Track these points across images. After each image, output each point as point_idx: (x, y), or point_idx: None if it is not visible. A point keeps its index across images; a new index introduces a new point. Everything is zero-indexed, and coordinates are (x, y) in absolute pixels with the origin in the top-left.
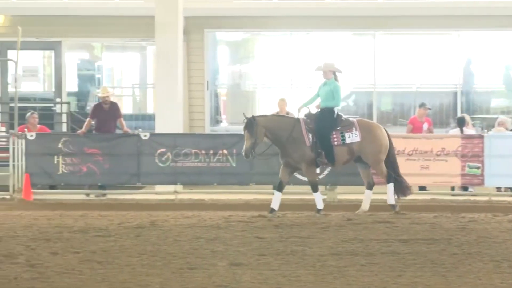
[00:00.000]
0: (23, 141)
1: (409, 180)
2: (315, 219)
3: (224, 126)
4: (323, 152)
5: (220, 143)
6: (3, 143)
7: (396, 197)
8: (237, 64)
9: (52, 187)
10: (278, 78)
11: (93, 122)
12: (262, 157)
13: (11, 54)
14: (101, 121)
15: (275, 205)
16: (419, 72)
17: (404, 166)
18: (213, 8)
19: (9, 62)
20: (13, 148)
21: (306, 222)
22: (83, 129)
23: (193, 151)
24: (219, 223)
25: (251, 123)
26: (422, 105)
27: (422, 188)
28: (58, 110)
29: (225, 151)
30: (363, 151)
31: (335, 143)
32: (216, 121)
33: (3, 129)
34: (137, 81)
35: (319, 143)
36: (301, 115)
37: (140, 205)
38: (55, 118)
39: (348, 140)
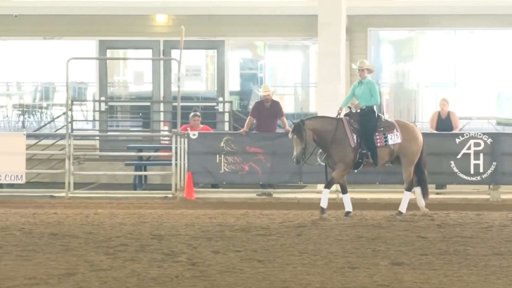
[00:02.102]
0: (186, 140)
1: None
2: (478, 218)
3: None
4: (369, 153)
5: None
6: (166, 142)
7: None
8: (400, 63)
9: (214, 185)
10: (442, 77)
11: (254, 121)
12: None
13: (174, 53)
14: (262, 119)
15: (324, 203)
16: None
17: None
18: (377, 7)
19: (172, 61)
20: (176, 147)
21: (469, 221)
22: (245, 128)
23: None
24: (381, 222)
25: (299, 128)
26: None
27: None
28: (220, 109)
29: None
30: (402, 152)
31: (378, 144)
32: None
33: (166, 128)
34: (299, 80)
35: (364, 144)
36: (341, 115)
37: (301, 204)
38: (218, 117)
39: (390, 142)
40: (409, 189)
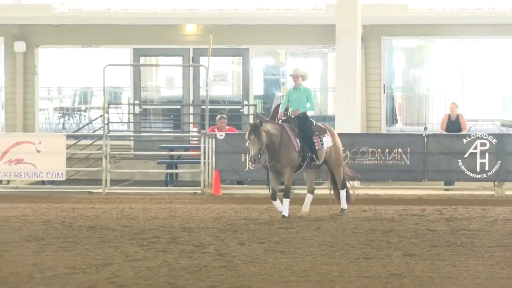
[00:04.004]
0: (213, 140)
1: None
2: (484, 213)
3: (399, 127)
4: (314, 155)
5: (395, 142)
6: (195, 142)
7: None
8: (412, 69)
9: (239, 182)
10: (450, 82)
11: None
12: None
13: (202, 60)
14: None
15: (280, 208)
16: None
17: None
18: (390, 17)
19: (201, 67)
20: (204, 147)
21: (475, 216)
22: None
23: (370, 149)
24: (394, 216)
25: (258, 129)
26: None
27: None
28: (245, 112)
29: (399, 150)
30: (332, 155)
31: (317, 147)
32: (393, 121)
33: (195, 129)
34: (318, 85)
35: (307, 147)
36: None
37: (320, 200)
38: (243, 119)
39: (325, 145)
40: (343, 187)
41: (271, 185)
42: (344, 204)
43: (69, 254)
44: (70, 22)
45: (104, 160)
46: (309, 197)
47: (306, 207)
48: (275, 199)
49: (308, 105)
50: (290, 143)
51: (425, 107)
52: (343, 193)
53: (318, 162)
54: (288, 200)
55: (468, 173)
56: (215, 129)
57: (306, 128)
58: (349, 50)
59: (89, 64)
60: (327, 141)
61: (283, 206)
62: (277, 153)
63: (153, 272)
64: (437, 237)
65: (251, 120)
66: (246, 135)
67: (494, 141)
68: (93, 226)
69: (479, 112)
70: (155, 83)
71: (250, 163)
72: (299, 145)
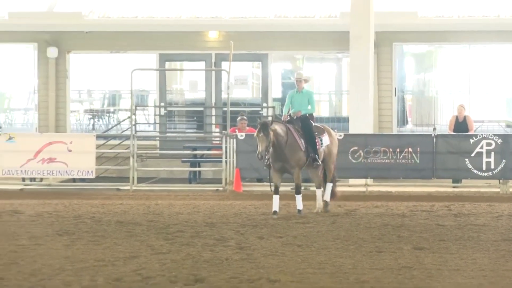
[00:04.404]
0: (234, 140)
1: None
2: (489, 209)
3: (410, 127)
4: (316, 156)
5: (406, 142)
6: (217, 142)
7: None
8: (421, 73)
9: (259, 180)
10: (458, 85)
11: None
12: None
13: (224, 65)
14: None
15: (276, 207)
16: None
17: None
18: (401, 24)
19: (222, 72)
20: (226, 147)
21: (481, 212)
22: None
23: (382, 149)
24: (405, 212)
25: (267, 127)
26: None
27: None
28: (264, 114)
29: (410, 149)
30: (328, 153)
31: (318, 147)
32: (403, 122)
33: (217, 130)
34: (333, 88)
35: (311, 148)
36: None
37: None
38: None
39: (324, 144)
40: (331, 181)
41: (273, 182)
42: (327, 196)
43: (99, 247)
44: (100, 29)
45: (131, 159)
46: (319, 192)
47: (319, 202)
48: (277, 194)
49: (309, 107)
50: (296, 144)
51: (434, 109)
52: (329, 185)
53: (319, 162)
54: (300, 195)
55: (475, 171)
56: (236, 130)
57: (309, 129)
58: (362, 56)
59: (117, 69)
60: (325, 140)
61: (296, 201)
62: (284, 154)
63: (178, 264)
64: (446, 231)
65: None
66: (255, 133)
67: (499, 141)
68: (121, 221)
69: (485, 113)
70: (179, 87)
71: (258, 158)
72: (304, 145)
